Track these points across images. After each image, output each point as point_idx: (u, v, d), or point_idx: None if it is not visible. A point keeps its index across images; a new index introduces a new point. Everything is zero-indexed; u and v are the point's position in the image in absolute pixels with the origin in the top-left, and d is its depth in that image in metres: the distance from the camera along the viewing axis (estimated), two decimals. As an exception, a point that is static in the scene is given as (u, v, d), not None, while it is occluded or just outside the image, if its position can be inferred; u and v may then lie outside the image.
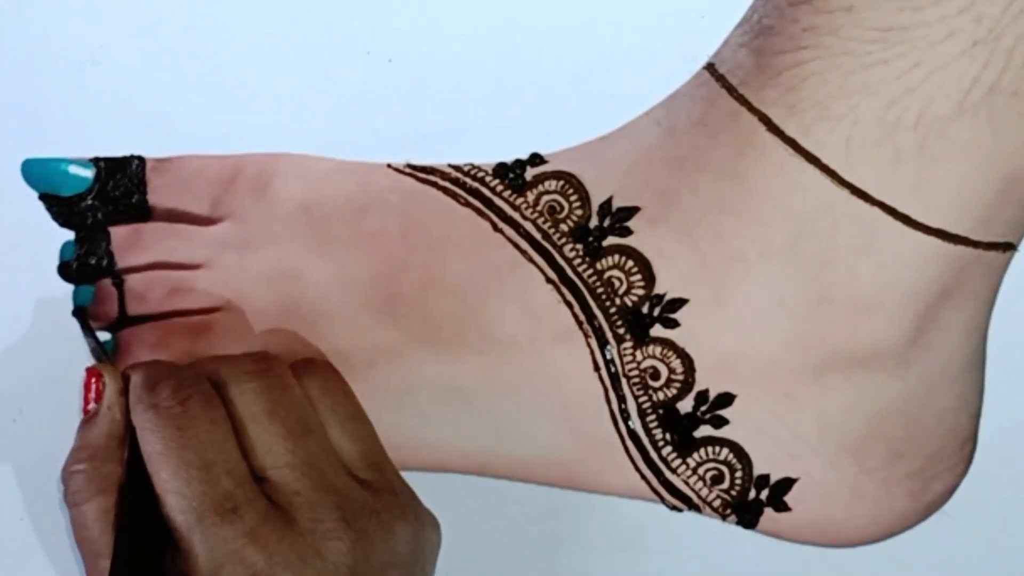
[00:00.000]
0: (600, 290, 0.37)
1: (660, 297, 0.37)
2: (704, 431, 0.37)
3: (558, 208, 0.38)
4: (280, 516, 0.33)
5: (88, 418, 0.35)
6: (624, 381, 0.37)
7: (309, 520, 0.33)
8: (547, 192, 0.38)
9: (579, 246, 0.37)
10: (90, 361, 0.38)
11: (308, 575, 0.32)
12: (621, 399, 0.37)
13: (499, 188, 0.38)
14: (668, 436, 0.37)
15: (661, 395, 0.37)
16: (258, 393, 0.34)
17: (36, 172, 0.38)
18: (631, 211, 0.37)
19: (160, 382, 0.34)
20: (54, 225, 0.39)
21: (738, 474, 0.37)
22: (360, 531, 0.33)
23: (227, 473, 0.33)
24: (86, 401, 0.35)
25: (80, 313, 0.38)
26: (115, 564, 0.32)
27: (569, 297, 0.37)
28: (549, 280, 0.37)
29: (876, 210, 0.34)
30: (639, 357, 0.37)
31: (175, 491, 0.32)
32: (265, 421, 0.34)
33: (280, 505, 0.33)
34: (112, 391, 0.35)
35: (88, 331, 0.38)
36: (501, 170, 0.38)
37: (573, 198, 0.38)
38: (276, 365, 0.36)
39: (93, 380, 0.35)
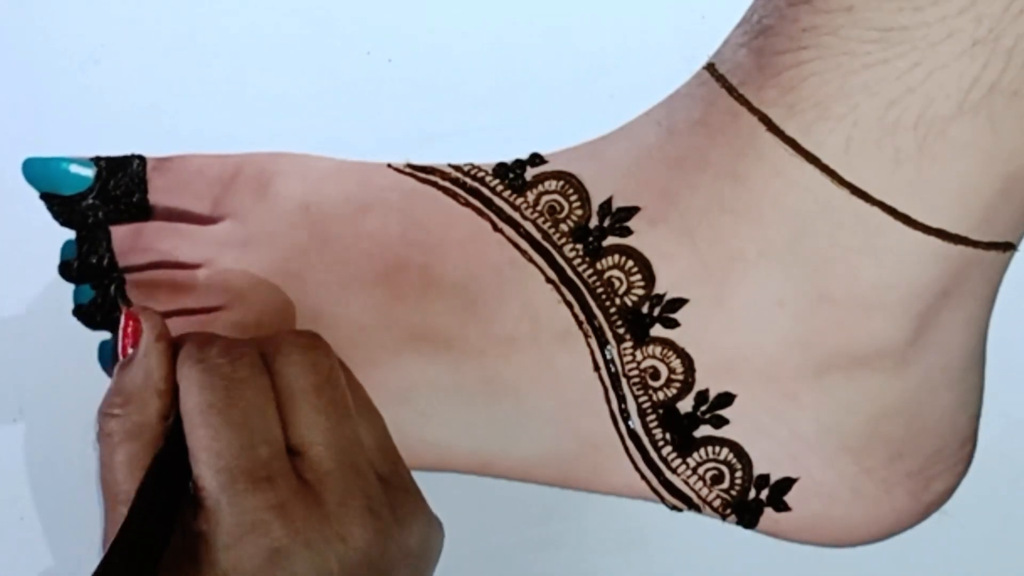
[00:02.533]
0: (600, 290, 0.37)
1: (660, 297, 0.37)
2: (704, 431, 0.37)
3: (558, 208, 0.38)
4: (310, 493, 0.32)
5: (124, 363, 0.34)
6: (624, 381, 0.37)
7: (337, 503, 0.33)
8: (547, 192, 0.38)
9: (579, 246, 0.37)
10: (93, 360, 0.38)
11: (327, 557, 0.32)
12: (621, 399, 0.37)
13: (499, 188, 0.38)
14: (668, 436, 0.37)
15: (661, 395, 0.37)
16: (306, 367, 0.34)
17: (37, 171, 0.38)
18: (631, 211, 0.37)
19: (211, 341, 0.34)
20: (55, 225, 0.39)
21: (738, 474, 0.37)
22: (382, 522, 0.33)
23: (266, 442, 0.32)
24: (124, 346, 0.35)
25: (81, 313, 0.38)
26: (132, 512, 0.31)
27: (569, 297, 0.37)
28: (549, 280, 0.37)
29: (876, 210, 0.34)
30: (639, 357, 0.37)
31: (212, 449, 0.32)
32: (311, 396, 0.34)
33: (310, 482, 0.33)
34: (149, 337, 0.34)
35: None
36: (501, 170, 0.38)
37: (573, 198, 0.38)
38: (324, 344, 0.35)
39: (130, 323, 0.35)
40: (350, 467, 0.33)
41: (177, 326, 0.38)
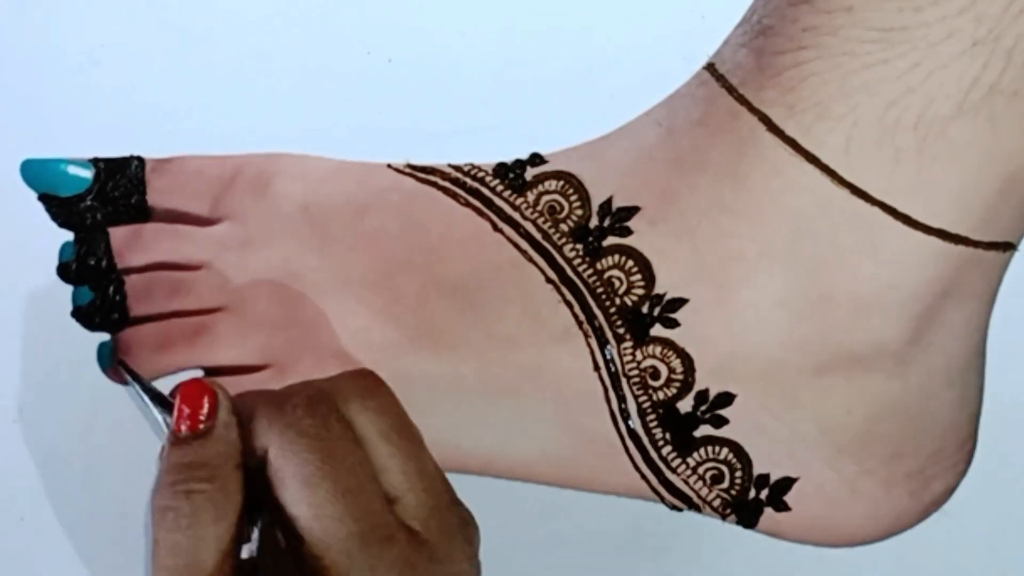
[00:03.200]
0: (600, 290, 0.37)
1: (660, 297, 0.37)
2: (704, 431, 0.37)
3: (558, 208, 0.38)
4: (421, 542, 0.31)
5: (200, 435, 0.31)
6: (624, 381, 0.37)
7: (444, 545, 0.32)
8: (547, 192, 0.38)
9: (579, 246, 0.37)
10: (92, 361, 0.38)
11: None
12: (621, 399, 0.37)
13: (499, 188, 0.38)
14: (668, 435, 0.37)
15: (661, 395, 0.37)
16: (380, 412, 0.33)
17: (36, 172, 0.38)
18: (631, 211, 0.37)
19: (288, 399, 0.32)
20: (53, 226, 0.39)
21: (738, 473, 0.37)
22: (472, 547, 0.32)
23: (377, 498, 0.31)
24: (194, 419, 0.31)
25: (80, 315, 0.38)
26: None
27: (569, 297, 0.37)
28: (549, 280, 0.37)
29: (876, 210, 0.34)
30: (639, 357, 0.37)
31: (332, 517, 0.30)
32: (395, 440, 0.32)
33: (415, 530, 0.32)
34: (227, 408, 0.31)
35: (135, 377, 0.35)
36: (501, 170, 0.38)
37: (573, 198, 0.38)
38: (381, 381, 0.34)
39: (205, 396, 0.31)
40: (442, 504, 0.33)
41: (176, 328, 0.38)
